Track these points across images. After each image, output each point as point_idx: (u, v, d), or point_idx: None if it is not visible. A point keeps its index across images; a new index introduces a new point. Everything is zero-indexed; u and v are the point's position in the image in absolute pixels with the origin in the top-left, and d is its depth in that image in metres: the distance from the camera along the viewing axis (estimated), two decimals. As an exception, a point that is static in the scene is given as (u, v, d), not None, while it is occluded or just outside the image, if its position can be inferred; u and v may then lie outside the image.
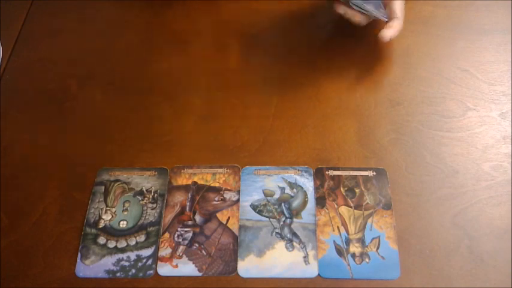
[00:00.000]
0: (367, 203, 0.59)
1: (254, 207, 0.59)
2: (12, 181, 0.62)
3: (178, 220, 0.58)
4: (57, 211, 0.59)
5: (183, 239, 0.57)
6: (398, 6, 0.65)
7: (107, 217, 0.59)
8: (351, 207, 0.58)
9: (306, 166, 0.61)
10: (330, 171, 0.61)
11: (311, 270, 0.55)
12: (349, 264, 0.55)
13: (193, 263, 0.56)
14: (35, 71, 0.72)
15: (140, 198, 0.60)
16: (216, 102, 0.68)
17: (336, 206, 0.58)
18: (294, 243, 0.56)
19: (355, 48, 0.72)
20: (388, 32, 0.65)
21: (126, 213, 0.59)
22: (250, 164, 0.62)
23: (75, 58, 0.73)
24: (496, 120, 0.64)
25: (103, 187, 0.61)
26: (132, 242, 0.57)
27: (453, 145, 0.62)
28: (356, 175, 0.61)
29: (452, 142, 0.63)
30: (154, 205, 0.59)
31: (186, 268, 0.55)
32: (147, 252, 0.56)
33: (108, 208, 0.59)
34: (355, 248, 0.56)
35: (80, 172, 0.62)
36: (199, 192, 0.60)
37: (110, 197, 0.60)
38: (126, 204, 0.59)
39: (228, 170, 0.61)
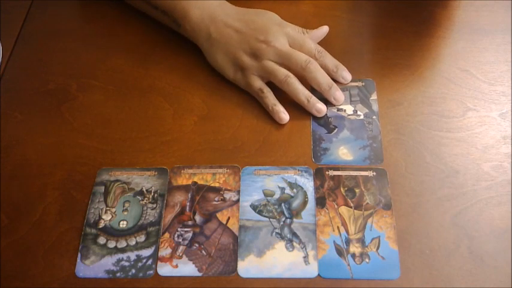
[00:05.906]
0: (367, 203, 0.58)
1: (254, 207, 0.59)
2: (12, 181, 0.62)
3: (178, 220, 0.58)
4: (57, 211, 0.59)
5: (183, 239, 0.57)
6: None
7: (107, 217, 0.59)
8: (351, 207, 0.58)
9: (306, 166, 0.61)
10: (330, 171, 0.61)
11: (311, 271, 0.55)
12: (349, 265, 0.55)
13: (193, 263, 0.55)
14: (35, 71, 0.72)
15: (140, 198, 0.60)
16: (216, 102, 0.68)
17: (336, 206, 0.58)
18: (294, 243, 0.56)
19: (354, 48, 0.72)
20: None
21: (126, 213, 0.59)
22: (250, 164, 0.62)
23: (75, 58, 0.73)
24: (496, 120, 0.64)
25: (103, 187, 0.61)
26: (132, 242, 0.57)
27: (453, 145, 0.62)
28: (356, 175, 0.60)
29: (452, 142, 0.63)
30: (154, 205, 0.59)
31: (186, 268, 0.55)
32: (147, 252, 0.56)
33: (108, 208, 0.59)
34: (355, 248, 0.56)
35: (80, 172, 0.62)
36: (199, 192, 0.60)
37: (110, 197, 0.60)
38: (126, 205, 0.59)
39: (228, 170, 0.61)
